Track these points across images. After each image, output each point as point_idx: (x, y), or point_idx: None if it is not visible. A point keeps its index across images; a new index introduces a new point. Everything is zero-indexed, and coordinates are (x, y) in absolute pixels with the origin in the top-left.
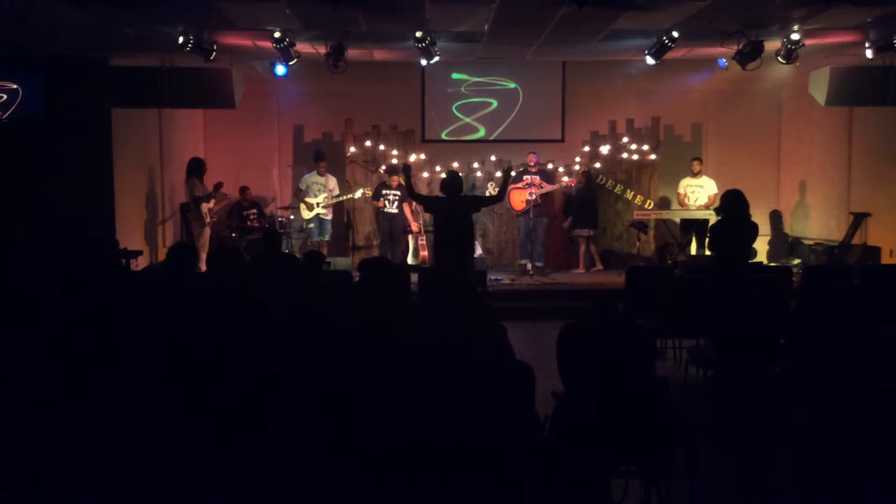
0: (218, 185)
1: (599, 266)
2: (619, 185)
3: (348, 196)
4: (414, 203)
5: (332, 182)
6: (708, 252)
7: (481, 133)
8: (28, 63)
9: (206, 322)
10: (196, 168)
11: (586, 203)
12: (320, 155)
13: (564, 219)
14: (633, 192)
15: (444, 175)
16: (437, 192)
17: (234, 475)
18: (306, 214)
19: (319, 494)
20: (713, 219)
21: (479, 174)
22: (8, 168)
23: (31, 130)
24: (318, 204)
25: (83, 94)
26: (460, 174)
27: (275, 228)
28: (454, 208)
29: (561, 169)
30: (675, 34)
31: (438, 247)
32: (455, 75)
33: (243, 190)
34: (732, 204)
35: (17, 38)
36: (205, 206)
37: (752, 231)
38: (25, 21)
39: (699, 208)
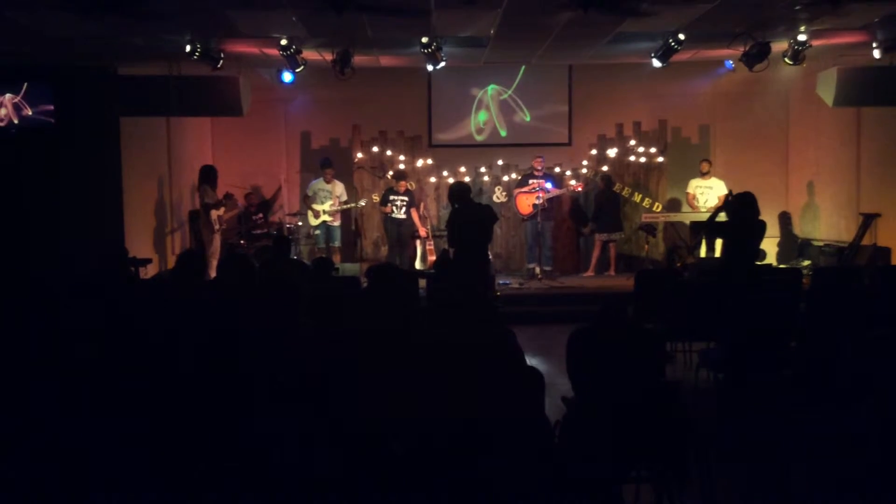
0: (227, 196)
1: (612, 272)
2: (626, 188)
3: (353, 205)
4: (422, 208)
5: (339, 188)
6: (716, 242)
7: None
8: (37, 72)
9: (216, 327)
10: (208, 175)
11: (610, 206)
12: (326, 162)
13: (574, 223)
14: (640, 195)
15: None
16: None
17: (244, 477)
18: (313, 221)
19: (331, 497)
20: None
21: (486, 178)
22: (18, 177)
23: (41, 139)
24: (324, 211)
25: (92, 102)
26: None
27: (285, 235)
28: (475, 215)
29: (568, 172)
30: (682, 36)
31: (457, 252)
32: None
33: (248, 196)
34: (739, 203)
35: (26, 47)
36: (214, 213)
37: (760, 228)
38: (34, 31)
39: (709, 210)
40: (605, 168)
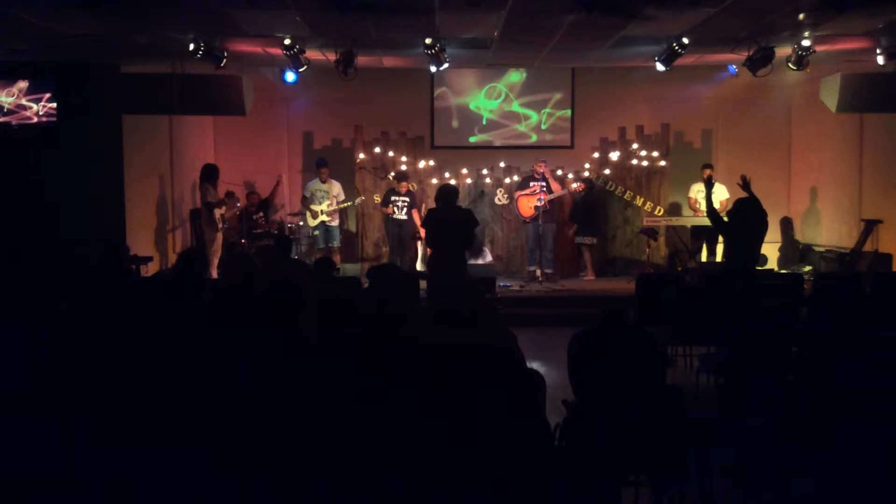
0: (229, 194)
1: (591, 276)
2: (628, 192)
3: (348, 204)
4: (424, 209)
5: (336, 188)
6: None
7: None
8: (39, 69)
9: (217, 327)
10: (210, 174)
11: (589, 211)
12: (322, 162)
13: (570, 226)
14: (642, 199)
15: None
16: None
17: (247, 478)
18: (311, 222)
19: (335, 496)
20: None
21: (488, 180)
22: (19, 174)
23: (43, 136)
24: (322, 211)
25: (94, 100)
26: (454, 184)
27: (286, 235)
28: (448, 216)
29: (570, 175)
30: (686, 40)
31: (433, 253)
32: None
33: (250, 195)
34: (741, 207)
35: (29, 44)
36: (217, 212)
37: (763, 224)
38: (38, 28)
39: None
40: (607, 171)
